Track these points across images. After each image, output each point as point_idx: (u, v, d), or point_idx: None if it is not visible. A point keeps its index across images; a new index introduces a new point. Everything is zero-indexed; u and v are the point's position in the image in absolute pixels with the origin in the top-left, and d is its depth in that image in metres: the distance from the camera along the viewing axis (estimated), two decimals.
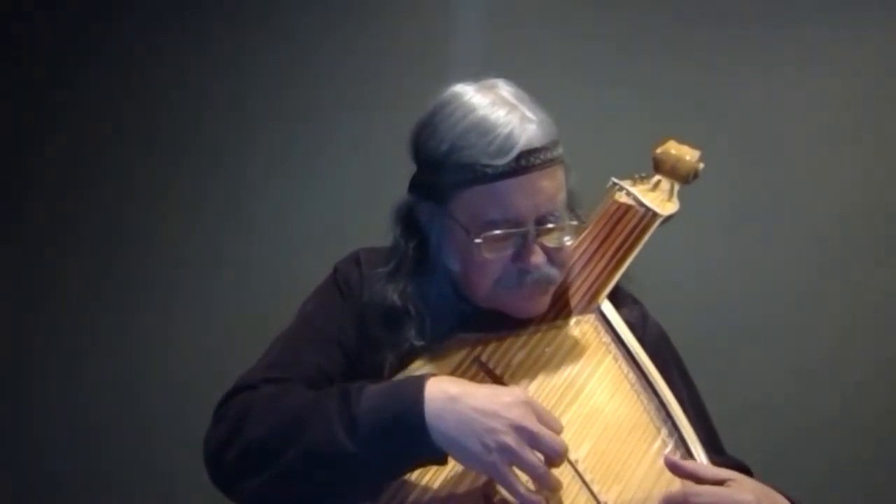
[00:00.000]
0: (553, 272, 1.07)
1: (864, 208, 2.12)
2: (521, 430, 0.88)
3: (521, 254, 1.04)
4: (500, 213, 1.02)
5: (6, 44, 2.48)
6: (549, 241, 1.06)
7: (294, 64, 2.40)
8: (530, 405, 0.91)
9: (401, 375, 1.03)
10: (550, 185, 1.03)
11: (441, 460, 0.92)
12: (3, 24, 2.48)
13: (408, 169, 1.14)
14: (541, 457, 0.89)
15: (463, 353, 1.07)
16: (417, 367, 1.05)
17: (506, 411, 0.89)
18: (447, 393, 0.91)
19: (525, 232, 1.03)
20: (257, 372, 1.06)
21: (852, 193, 2.13)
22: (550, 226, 1.05)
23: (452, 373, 1.04)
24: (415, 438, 0.89)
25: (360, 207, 1.93)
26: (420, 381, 0.92)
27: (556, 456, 0.90)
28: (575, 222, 1.08)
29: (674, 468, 0.96)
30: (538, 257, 1.04)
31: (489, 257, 1.04)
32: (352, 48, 2.37)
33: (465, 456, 0.89)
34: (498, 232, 1.02)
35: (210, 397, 1.05)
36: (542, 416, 0.91)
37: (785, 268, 2.13)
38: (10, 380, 2.40)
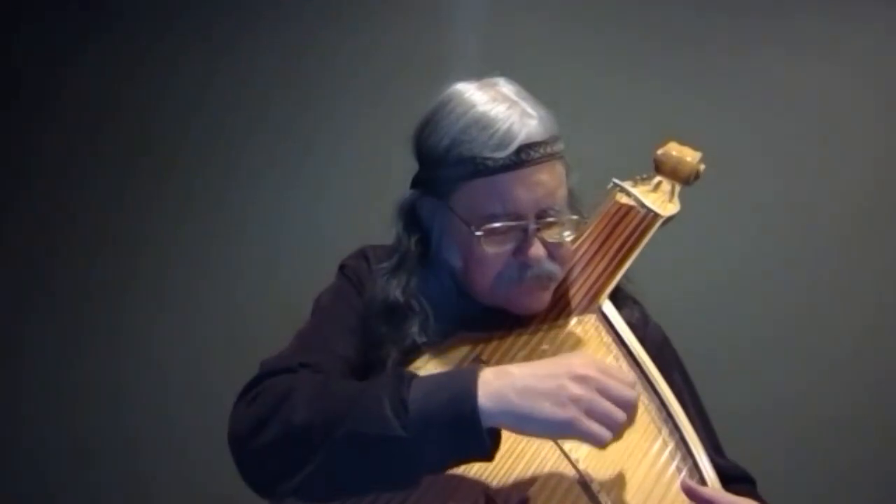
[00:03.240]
0: (553, 268, 1.07)
1: (866, 209, 2.12)
2: (586, 379, 0.87)
3: (522, 248, 1.04)
4: (500, 206, 1.03)
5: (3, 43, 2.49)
6: (550, 236, 1.06)
7: (293, 65, 2.40)
8: (592, 360, 0.91)
9: None
10: (550, 180, 1.04)
11: (487, 455, 0.90)
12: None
13: (410, 168, 1.14)
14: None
15: (464, 351, 1.07)
16: (420, 366, 1.04)
17: (564, 368, 0.88)
18: (504, 372, 0.90)
19: (525, 225, 1.04)
20: (289, 357, 1.04)
21: (854, 194, 2.13)
22: (551, 220, 1.05)
23: None
24: (466, 424, 0.87)
25: (360, 208, 1.94)
26: (475, 369, 0.91)
27: (627, 404, 0.88)
28: (575, 217, 1.09)
29: (690, 494, 0.95)
30: (538, 251, 1.05)
31: (490, 252, 1.04)
32: (353, 49, 2.38)
33: (537, 423, 0.87)
34: (498, 224, 1.03)
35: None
36: (606, 370, 0.90)
37: (786, 268, 2.13)
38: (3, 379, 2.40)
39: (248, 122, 2.41)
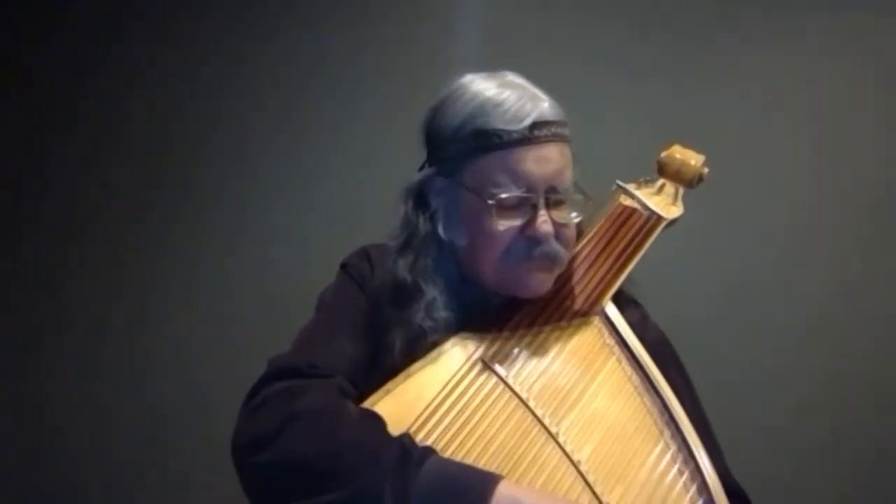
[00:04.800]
0: (560, 249, 1.08)
1: (866, 209, 2.12)
2: None
3: (531, 223, 1.06)
4: (511, 179, 1.05)
5: (28, 49, 2.50)
6: (557, 217, 1.08)
7: (300, 67, 2.40)
8: None
9: (408, 370, 1.03)
10: (561, 159, 1.07)
11: None
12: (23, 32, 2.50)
13: (414, 167, 1.15)
14: None
15: (466, 352, 1.06)
16: (421, 366, 1.04)
17: None
18: (515, 500, 0.89)
19: (535, 200, 1.05)
20: (296, 356, 1.05)
21: (854, 195, 2.13)
22: (559, 197, 1.07)
23: (454, 373, 1.04)
24: None
25: (365, 208, 1.94)
26: (488, 483, 0.89)
27: None
28: (581, 196, 1.10)
29: None
30: (548, 226, 1.06)
31: (500, 226, 1.05)
32: (356, 50, 2.38)
33: None
34: (509, 195, 1.04)
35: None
36: None
37: (786, 270, 2.13)
38: (23, 380, 2.41)
39: (258, 125, 2.41)
